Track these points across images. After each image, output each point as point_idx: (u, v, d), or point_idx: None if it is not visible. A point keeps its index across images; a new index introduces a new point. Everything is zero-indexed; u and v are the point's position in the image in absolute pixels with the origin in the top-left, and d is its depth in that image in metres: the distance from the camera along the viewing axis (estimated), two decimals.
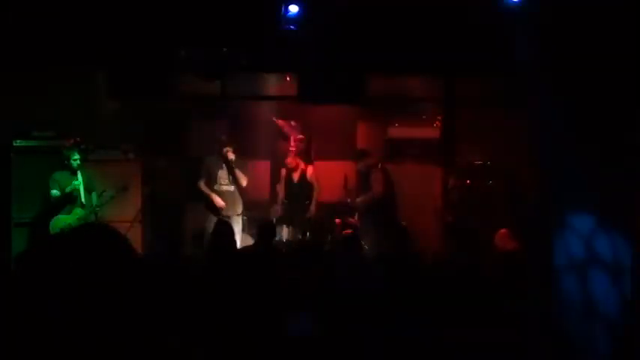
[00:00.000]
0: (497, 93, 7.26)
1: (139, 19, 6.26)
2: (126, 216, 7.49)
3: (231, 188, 7.66)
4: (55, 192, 6.93)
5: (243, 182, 7.68)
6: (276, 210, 8.32)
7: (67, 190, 6.94)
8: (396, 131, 8.82)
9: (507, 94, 6.99)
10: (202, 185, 7.77)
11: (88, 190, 7.14)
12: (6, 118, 6.79)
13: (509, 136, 7.61)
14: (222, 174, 7.73)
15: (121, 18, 6.24)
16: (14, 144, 7.10)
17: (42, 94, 7.16)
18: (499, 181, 8.06)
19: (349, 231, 6.29)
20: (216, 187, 7.71)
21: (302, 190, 8.06)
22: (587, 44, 5.93)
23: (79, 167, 7.10)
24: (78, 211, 7.02)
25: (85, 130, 7.65)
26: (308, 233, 7.85)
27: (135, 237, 7.41)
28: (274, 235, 6.57)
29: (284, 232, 7.90)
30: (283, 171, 8.23)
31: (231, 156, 7.60)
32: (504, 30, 6.21)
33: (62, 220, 6.96)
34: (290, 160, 8.15)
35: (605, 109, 5.97)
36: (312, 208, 7.92)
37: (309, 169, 8.16)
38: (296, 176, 8.13)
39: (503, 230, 6.24)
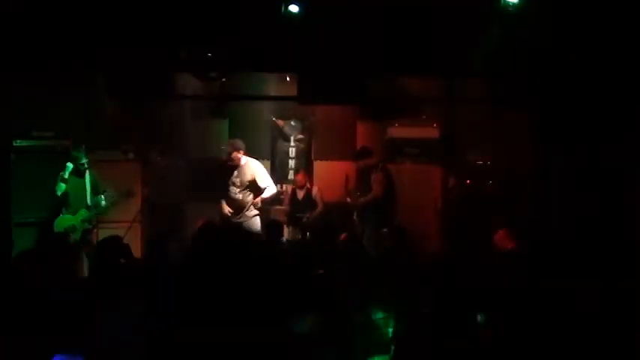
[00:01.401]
0: (498, 93, 7.26)
1: (139, 20, 6.26)
2: (126, 216, 7.51)
3: (240, 196, 7.57)
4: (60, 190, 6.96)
5: (266, 191, 7.52)
6: (279, 210, 8.33)
7: (58, 193, 6.94)
8: (396, 131, 8.81)
9: (507, 94, 6.99)
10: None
11: (95, 192, 7.14)
12: (6, 118, 6.79)
13: (509, 136, 7.62)
14: (233, 180, 7.65)
15: (121, 18, 6.24)
16: (14, 144, 7.11)
17: (42, 94, 7.17)
18: (499, 181, 8.06)
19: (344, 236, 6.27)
20: (229, 194, 7.69)
21: (306, 206, 8.14)
22: (587, 44, 5.94)
23: (86, 169, 7.10)
24: (82, 213, 7.03)
25: (85, 130, 7.67)
26: (308, 233, 7.87)
27: (135, 237, 7.43)
28: (282, 234, 6.59)
29: (284, 232, 7.90)
30: (289, 187, 8.37)
31: (239, 162, 7.54)
32: (504, 30, 6.21)
33: (66, 221, 6.97)
34: (299, 178, 8.20)
35: (605, 109, 5.98)
36: (312, 221, 7.97)
37: (314, 189, 8.21)
38: (301, 194, 8.22)
39: (502, 230, 6.23)
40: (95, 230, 7.18)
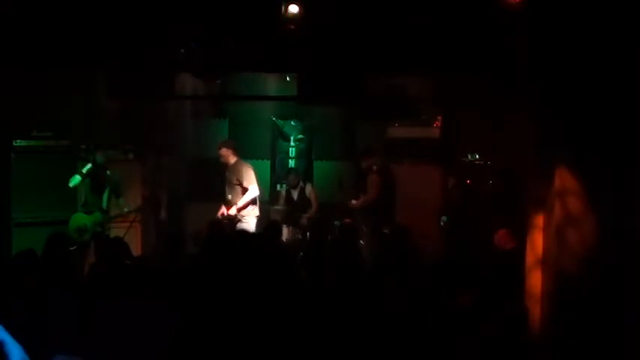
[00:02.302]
0: (497, 93, 7.25)
1: (139, 19, 6.26)
2: (126, 216, 7.51)
3: (229, 196, 7.62)
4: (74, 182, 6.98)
5: (246, 193, 7.57)
6: (278, 210, 8.34)
7: (70, 185, 6.97)
8: (396, 131, 8.82)
9: (507, 94, 6.98)
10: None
11: (117, 195, 7.15)
12: (6, 118, 6.79)
13: (509, 136, 7.61)
14: (224, 179, 7.71)
15: (120, 18, 6.24)
16: (14, 144, 7.11)
17: (42, 94, 7.17)
18: (499, 181, 8.06)
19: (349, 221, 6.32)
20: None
21: (302, 206, 8.22)
22: (589, 44, 5.93)
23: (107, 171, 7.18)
24: (97, 215, 7.06)
25: (85, 130, 7.68)
26: (308, 234, 7.87)
27: (135, 237, 7.44)
28: (280, 234, 6.59)
29: (284, 232, 7.91)
30: (285, 185, 8.45)
31: (229, 160, 7.62)
32: (504, 30, 6.21)
33: (80, 219, 7.02)
34: (291, 179, 8.25)
35: (607, 109, 5.98)
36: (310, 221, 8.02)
37: (307, 188, 8.26)
38: (295, 194, 8.31)
39: (502, 230, 6.23)
40: (106, 232, 7.21)
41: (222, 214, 7.53)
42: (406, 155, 8.74)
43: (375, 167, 7.77)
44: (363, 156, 7.95)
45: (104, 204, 7.12)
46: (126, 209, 7.21)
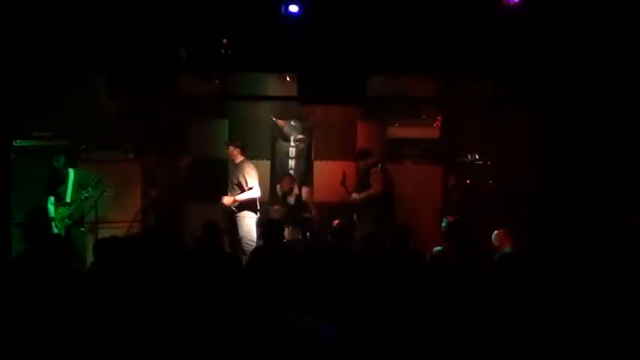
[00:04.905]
0: (498, 93, 7.26)
1: (139, 19, 6.26)
2: (126, 216, 7.51)
3: (230, 194, 7.69)
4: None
5: (246, 192, 7.59)
6: (277, 211, 8.33)
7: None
8: (396, 131, 8.82)
9: (507, 94, 7.00)
10: None
11: (82, 187, 7.11)
12: (6, 118, 6.79)
13: (509, 136, 7.62)
14: (229, 178, 7.77)
15: (120, 18, 6.24)
16: (14, 144, 7.11)
17: (42, 94, 7.17)
18: (499, 181, 8.06)
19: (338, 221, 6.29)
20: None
21: (299, 208, 8.20)
22: (588, 44, 5.94)
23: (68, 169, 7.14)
24: (60, 210, 7.03)
25: (85, 130, 7.68)
26: (308, 233, 7.86)
27: None
28: (282, 234, 6.55)
29: (284, 232, 7.90)
30: (278, 190, 8.42)
31: (235, 159, 7.67)
32: (504, 30, 6.22)
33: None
34: (285, 185, 8.24)
35: (607, 109, 5.99)
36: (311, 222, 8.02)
37: (304, 191, 8.25)
38: (292, 199, 8.29)
39: (500, 230, 6.24)
40: (90, 231, 7.19)
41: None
42: (406, 155, 8.75)
43: (379, 165, 7.77)
44: (361, 157, 7.95)
45: (67, 198, 7.07)
46: (83, 195, 7.08)
